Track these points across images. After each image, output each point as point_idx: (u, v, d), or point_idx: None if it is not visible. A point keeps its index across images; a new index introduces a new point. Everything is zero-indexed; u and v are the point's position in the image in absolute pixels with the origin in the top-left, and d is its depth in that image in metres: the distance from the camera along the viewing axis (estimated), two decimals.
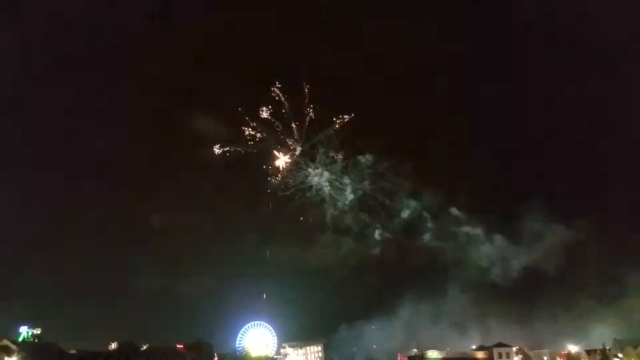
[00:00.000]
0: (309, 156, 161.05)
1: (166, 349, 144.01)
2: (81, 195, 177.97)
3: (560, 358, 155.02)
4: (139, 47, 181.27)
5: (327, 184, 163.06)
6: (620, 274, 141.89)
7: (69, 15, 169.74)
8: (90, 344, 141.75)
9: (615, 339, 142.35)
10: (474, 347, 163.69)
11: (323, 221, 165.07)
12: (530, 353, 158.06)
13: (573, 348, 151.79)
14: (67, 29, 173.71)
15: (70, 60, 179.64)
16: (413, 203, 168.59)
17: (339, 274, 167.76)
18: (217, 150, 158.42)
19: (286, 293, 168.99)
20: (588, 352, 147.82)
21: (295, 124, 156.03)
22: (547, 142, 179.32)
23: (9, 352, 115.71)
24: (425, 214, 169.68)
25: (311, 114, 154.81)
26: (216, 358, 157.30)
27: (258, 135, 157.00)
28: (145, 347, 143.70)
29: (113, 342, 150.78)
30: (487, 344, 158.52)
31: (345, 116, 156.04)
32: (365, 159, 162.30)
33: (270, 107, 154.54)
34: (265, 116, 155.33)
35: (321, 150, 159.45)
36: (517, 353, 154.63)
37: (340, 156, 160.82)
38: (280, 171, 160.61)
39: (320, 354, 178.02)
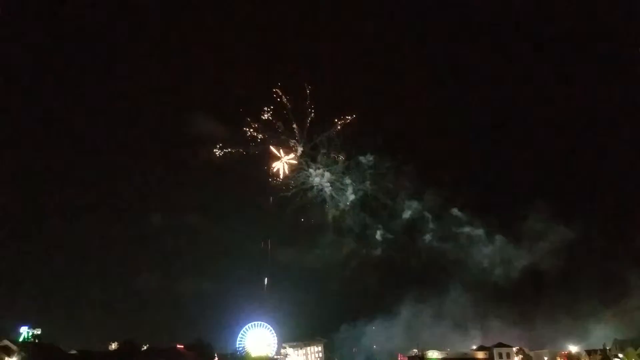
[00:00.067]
0: (310, 157, 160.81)
1: (166, 349, 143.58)
2: (81, 195, 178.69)
3: (560, 358, 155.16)
4: (139, 47, 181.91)
5: (328, 184, 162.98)
6: (621, 275, 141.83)
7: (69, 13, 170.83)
8: (90, 344, 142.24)
9: (615, 339, 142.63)
10: (474, 347, 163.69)
11: (324, 221, 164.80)
12: (531, 353, 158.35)
13: (573, 348, 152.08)
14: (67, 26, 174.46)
15: (70, 60, 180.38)
16: (414, 203, 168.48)
17: (339, 275, 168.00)
18: (217, 151, 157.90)
19: (287, 293, 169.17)
20: (588, 352, 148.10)
21: (296, 125, 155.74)
22: (548, 143, 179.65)
23: (9, 353, 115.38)
24: (427, 214, 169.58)
25: (312, 114, 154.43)
26: (216, 358, 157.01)
27: (259, 136, 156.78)
28: (145, 347, 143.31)
29: (113, 342, 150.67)
30: (487, 344, 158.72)
31: (347, 117, 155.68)
32: (367, 159, 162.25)
33: (271, 107, 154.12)
34: (266, 117, 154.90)
35: (322, 150, 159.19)
36: (517, 353, 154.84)
37: (341, 157, 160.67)
38: (281, 172, 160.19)
39: (320, 354, 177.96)
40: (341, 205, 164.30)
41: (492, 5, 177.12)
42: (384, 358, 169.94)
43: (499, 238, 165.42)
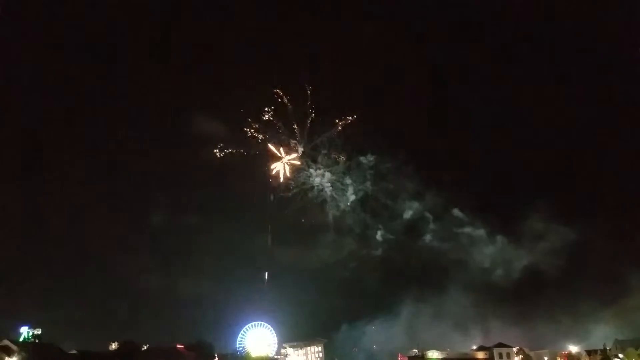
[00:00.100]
0: (310, 157, 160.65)
1: (167, 349, 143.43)
2: (81, 195, 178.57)
3: (560, 358, 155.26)
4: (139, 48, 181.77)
5: (329, 184, 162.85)
6: (621, 275, 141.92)
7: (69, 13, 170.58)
8: (90, 344, 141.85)
9: (616, 340, 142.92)
10: (474, 347, 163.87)
11: (325, 222, 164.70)
12: (531, 353, 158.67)
13: (574, 348, 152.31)
14: (67, 27, 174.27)
15: (70, 60, 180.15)
16: (415, 204, 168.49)
17: (340, 275, 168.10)
18: (218, 152, 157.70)
19: (287, 293, 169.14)
20: (589, 352, 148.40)
21: (296, 125, 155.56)
22: (548, 143, 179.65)
23: (9, 353, 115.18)
24: (428, 214, 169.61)
25: (313, 115, 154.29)
26: (216, 358, 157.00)
27: (260, 136, 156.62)
28: (145, 348, 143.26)
29: (113, 342, 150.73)
30: (487, 344, 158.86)
31: (348, 118, 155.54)
32: (367, 159, 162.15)
33: (272, 107, 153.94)
34: (267, 117, 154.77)
35: (323, 151, 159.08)
36: (517, 353, 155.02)
37: (342, 157, 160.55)
38: (281, 173, 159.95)
39: (320, 354, 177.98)
40: (342, 205, 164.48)
41: (492, 5, 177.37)
42: (384, 358, 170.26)
43: (499, 238, 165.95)
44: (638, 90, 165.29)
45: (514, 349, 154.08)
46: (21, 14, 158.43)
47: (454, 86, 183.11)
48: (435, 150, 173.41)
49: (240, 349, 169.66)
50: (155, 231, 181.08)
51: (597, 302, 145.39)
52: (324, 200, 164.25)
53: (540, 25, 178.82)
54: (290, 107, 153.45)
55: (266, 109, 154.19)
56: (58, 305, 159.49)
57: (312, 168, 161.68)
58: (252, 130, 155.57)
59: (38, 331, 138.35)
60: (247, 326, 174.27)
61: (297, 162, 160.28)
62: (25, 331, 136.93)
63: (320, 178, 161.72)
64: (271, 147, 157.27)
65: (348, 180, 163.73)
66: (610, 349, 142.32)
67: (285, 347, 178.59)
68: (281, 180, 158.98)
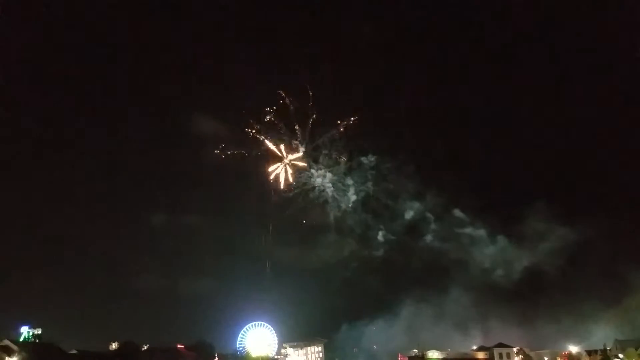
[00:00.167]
0: (312, 157, 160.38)
1: (167, 349, 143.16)
2: (81, 194, 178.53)
3: (561, 358, 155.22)
4: (140, 46, 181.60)
5: (330, 185, 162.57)
6: (621, 275, 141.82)
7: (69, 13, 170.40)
8: (90, 344, 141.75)
9: (616, 340, 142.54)
10: (474, 347, 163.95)
11: (326, 222, 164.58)
12: (531, 353, 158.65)
13: (574, 348, 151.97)
14: (67, 27, 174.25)
15: (70, 60, 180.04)
16: (416, 204, 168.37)
17: (340, 275, 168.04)
18: (219, 152, 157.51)
19: (287, 293, 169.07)
20: (589, 352, 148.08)
21: (298, 126, 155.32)
22: (548, 143, 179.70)
23: (9, 353, 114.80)
24: (428, 215, 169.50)
25: (314, 115, 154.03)
26: (217, 358, 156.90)
27: (261, 137, 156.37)
28: (145, 348, 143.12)
29: (113, 342, 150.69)
30: (488, 345, 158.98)
31: (351, 118, 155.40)
32: (368, 159, 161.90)
33: (274, 107, 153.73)
34: (269, 118, 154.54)
35: (324, 151, 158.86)
36: (517, 353, 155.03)
37: (343, 158, 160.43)
38: (281, 176, 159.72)
39: (320, 354, 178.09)
40: (343, 206, 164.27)
41: (492, 5, 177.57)
42: (384, 358, 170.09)
43: (500, 238, 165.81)
44: (638, 90, 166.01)
45: (514, 349, 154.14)
46: (21, 14, 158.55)
47: (454, 86, 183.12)
48: (435, 150, 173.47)
49: (241, 349, 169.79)
50: (155, 231, 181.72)
51: (598, 302, 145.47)
52: (325, 200, 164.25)
53: (540, 25, 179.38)
54: (292, 107, 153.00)
55: (267, 109, 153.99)
56: (58, 305, 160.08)
57: (313, 168, 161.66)
58: (253, 131, 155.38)
59: (38, 331, 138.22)
60: (247, 326, 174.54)
61: (301, 163, 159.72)
62: (25, 331, 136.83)
63: (322, 178, 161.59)
64: (273, 147, 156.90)
65: (349, 181, 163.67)
66: (610, 349, 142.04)
67: (285, 347, 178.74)
68: (282, 180, 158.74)
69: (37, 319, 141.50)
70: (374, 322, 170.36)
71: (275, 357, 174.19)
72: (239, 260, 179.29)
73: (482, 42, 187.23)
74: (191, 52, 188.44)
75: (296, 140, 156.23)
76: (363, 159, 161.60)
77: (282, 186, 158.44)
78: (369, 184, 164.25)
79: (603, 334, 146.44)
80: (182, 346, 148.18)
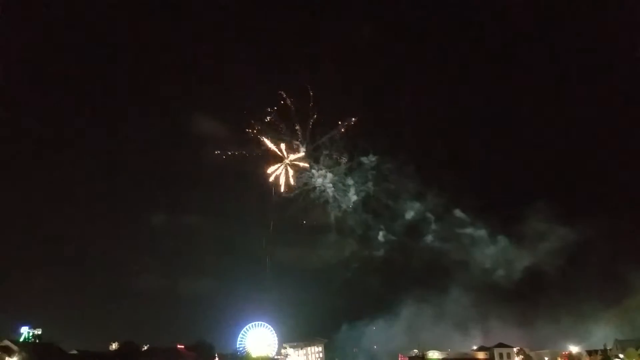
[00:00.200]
0: (312, 158, 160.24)
1: (167, 349, 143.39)
2: (81, 194, 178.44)
3: (561, 358, 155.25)
4: (140, 46, 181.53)
5: (330, 185, 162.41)
6: (622, 275, 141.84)
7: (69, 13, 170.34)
8: (91, 345, 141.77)
9: (616, 340, 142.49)
10: (474, 347, 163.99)
11: (327, 223, 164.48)
12: (531, 353, 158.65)
13: (574, 348, 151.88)
14: (67, 27, 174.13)
15: (69, 60, 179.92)
16: (417, 204, 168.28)
17: (341, 275, 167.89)
18: (219, 153, 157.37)
19: (288, 293, 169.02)
20: (589, 352, 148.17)
21: (299, 126, 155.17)
22: (548, 143, 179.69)
23: (9, 353, 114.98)
24: (429, 215, 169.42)
25: (315, 116, 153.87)
26: (217, 358, 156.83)
27: (262, 137, 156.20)
28: (146, 348, 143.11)
29: (114, 342, 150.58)
30: (488, 345, 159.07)
31: (352, 119, 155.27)
32: (369, 159, 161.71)
33: (275, 108, 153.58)
34: (269, 119, 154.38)
35: (325, 152, 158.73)
36: (518, 353, 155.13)
37: (344, 158, 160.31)
38: (282, 179, 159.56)
39: (321, 355, 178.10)
40: (343, 206, 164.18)
41: (492, 5, 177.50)
42: (384, 358, 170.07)
43: (501, 239, 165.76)
44: (638, 90, 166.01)
45: (515, 349, 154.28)
46: (21, 14, 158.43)
47: (454, 86, 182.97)
48: (435, 150, 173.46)
49: (241, 349, 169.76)
50: (155, 231, 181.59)
51: (598, 302, 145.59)
52: (325, 200, 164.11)
53: (540, 25, 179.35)
54: (292, 108, 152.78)
55: (268, 109, 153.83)
56: (58, 305, 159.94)
57: (314, 169, 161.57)
58: (254, 131, 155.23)
59: (38, 331, 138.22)
60: (247, 326, 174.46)
61: (302, 164, 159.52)
62: (25, 331, 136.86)
63: (322, 179, 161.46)
64: (273, 147, 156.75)
65: (350, 181, 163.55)
66: (610, 349, 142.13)
67: (285, 347, 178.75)
68: (283, 181, 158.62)
69: (37, 319, 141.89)
70: (374, 322, 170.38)
71: (276, 357, 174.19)
72: (239, 260, 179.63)
73: (482, 42, 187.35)
74: (191, 52, 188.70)
75: (297, 140, 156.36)
76: (363, 159, 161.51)
77: (282, 188, 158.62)
78: (370, 184, 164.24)
79: (603, 334, 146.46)
80: (182, 346, 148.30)
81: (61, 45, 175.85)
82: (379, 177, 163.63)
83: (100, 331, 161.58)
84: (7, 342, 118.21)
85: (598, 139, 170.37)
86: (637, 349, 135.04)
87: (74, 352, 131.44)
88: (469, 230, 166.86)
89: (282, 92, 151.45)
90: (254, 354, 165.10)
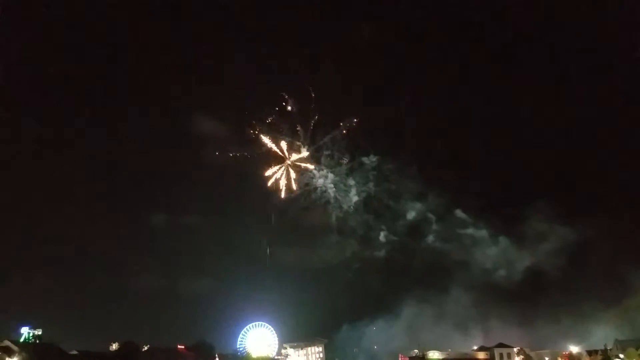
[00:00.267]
0: (314, 158, 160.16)
1: (167, 349, 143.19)
2: (81, 194, 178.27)
3: (561, 358, 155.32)
4: (140, 46, 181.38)
5: (332, 185, 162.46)
6: (622, 275, 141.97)
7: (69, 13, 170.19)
8: (91, 345, 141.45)
9: (616, 340, 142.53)
10: (475, 347, 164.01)
11: (328, 223, 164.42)
12: (532, 353, 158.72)
13: (574, 348, 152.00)
14: (67, 27, 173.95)
15: (69, 60, 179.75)
16: (418, 205, 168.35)
17: (342, 275, 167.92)
18: (220, 154, 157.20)
19: (288, 293, 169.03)
20: (589, 352, 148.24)
21: (300, 127, 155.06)
22: (548, 143, 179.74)
23: (10, 353, 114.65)
24: (430, 215, 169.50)
25: (316, 117, 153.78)
26: (217, 358, 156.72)
27: (262, 138, 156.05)
28: (146, 348, 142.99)
29: (114, 342, 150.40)
30: (488, 345, 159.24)
31: (354, 119, 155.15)
32: (370, 160, 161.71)
33: (276, 108, 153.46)
34: (270, 120, 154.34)
35: (326, 152, 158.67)
36: (518, 353, 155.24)
37: (345, 159, 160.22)
38: (282, 182, 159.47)
39: (321, 355, 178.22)
40: (345, 206, 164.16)
41: (492, 5, 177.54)
42: (384, 358, 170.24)
43: (502, 239, 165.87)
44: (638, 90, 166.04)
45: (515, 349, 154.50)
46: (21, 14, 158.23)
47: (454, 86, 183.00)
48: (436, 150, 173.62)
49: (241, 349, 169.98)
50: (155, 231, 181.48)
51: (598, 302, 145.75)
52: (327, 201, 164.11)
53: (540, 25, 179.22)
54: (293, 109, 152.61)
55: (269, 110, 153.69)
56: (58, 305, 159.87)
57: (315, 169, 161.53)
58: (255, 132, 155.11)
59: (39, 332, 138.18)
60: (247, 326, 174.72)
61: (304, 164, 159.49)
62: (26, 332, 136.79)
63: (324, 179, 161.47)
64: (275, 148, 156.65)
65: (351, 182, 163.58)
66: (611, 349, 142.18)
67: (285, 348, 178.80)
68: (284, 183, 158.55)
69: (37, 319, 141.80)
70: (375, 322, 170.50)
71: (276, 357, 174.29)
72: (239, 260, 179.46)
73: (482, 42, 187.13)
74: (191, 52, 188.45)
75: (298, 141, 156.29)
76: (365, 159, 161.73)
77: (284, 188, 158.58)
78: (371, 184, 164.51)
79: (603, 334, 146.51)
80: (182, 346, 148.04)
81: (61, 45, 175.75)
82: (380, 178, 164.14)
83: (100, 331, 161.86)
84: (7, 343, 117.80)
85: (598, 139, 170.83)
86: (637, 349, 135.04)
87: (74, 352, 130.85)
88: (470, 231, 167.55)
89: (284, 93, 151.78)
90: (254, 354, 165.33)
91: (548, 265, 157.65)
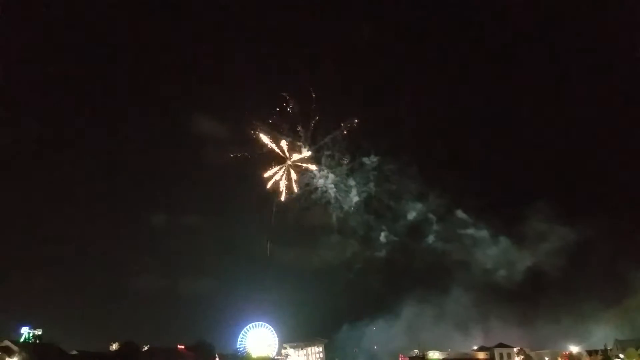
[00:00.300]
0: (315, 158, 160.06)
1: (167, 349, 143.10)
2: (81, 194, 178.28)
3: (561, 358, 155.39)
4: (140, 46, 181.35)
5: (332, 186, 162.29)
6: (622, 275, 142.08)
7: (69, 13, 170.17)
8: (91, 345, 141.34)
9: (616, 340, 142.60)
10: (475, 347, 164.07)
11: (328, 223, 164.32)
12: (532, 353, 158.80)
13: (574, 348, 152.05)
14: (67, 27, 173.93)
15: (69, 60, 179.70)
16: (418, 205, 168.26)
17: (342, 276, 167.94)
18: (220, 153, 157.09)
19: (288, 293, 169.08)
20: (589, 352, 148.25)
21: (300, 127, 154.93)
22: (548, 143, 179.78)
23: (10, 353, 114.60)
24: (431, 216, 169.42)
25: (317, 117, 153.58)
26: (217, 358, 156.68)
27: (263, 138, 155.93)
28: (146, 348, 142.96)
29: (114, 342, 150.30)
30: (488, 345, 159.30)
31: (355, 120, 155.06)
32: (370, 160, 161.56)
33: (277, 109, 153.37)
34: (270, 121, 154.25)
35: (326, 152, 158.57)
36: (518, 354, 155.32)
37: (345, 160, 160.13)
38: (282, 183, 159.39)
39: (321, 355, 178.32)
40: (345, 207, 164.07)
41: (492, 5, 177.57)
42: (384, 358, 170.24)
43: (502, 239, 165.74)
44: (638, 90, 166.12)
45: (515, 350, 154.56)
46: (21, 14, 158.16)
47: (454, 86, 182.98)
48: (436, 150, 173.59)
49: (241, 349, 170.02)
50: (155, 231, 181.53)
51: (598, 302, 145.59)
52: (327, 201, 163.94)
53: (540, 25, 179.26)
54: (294, 109, 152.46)
55: (269, 110, 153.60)
56: (58, 305, 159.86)
57: (316, 169, 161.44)
58: (256, 132, 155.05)
59: (39, 332, 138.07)
60: (247, 326, 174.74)
61: (304, 164, 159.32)
62: (26, 332, 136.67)
63: (324, 179, 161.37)
64: (275, 148, 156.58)
65: (352, 182, 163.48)
66: (611, 349, 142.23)
67: (285, 348, 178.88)
68: (285, 183, 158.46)
69: (37, 319, 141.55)
70: (375, 322, 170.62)
71: (276, 357, 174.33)
72: (239, 260, 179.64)
73: (482, 42, 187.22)
74: (191, 52, 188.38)
75: (299, 141, 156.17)
76: (365, 159, 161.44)
77: (284, 189, 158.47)
78: (371, 184, 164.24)
79: (603, 334, 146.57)
80: (182, 346, 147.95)
81: (61, 45, 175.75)
82: (381, 178, 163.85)
83: (100, 331, 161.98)
84: (7, 343, 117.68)
85: (598, 139, 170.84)
86: (637, 349, 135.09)
87: (74, 352, 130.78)
88: (470, 231, 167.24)
89: (284, 93, 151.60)
90: (254, 354, 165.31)
91: (548, 265, 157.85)
